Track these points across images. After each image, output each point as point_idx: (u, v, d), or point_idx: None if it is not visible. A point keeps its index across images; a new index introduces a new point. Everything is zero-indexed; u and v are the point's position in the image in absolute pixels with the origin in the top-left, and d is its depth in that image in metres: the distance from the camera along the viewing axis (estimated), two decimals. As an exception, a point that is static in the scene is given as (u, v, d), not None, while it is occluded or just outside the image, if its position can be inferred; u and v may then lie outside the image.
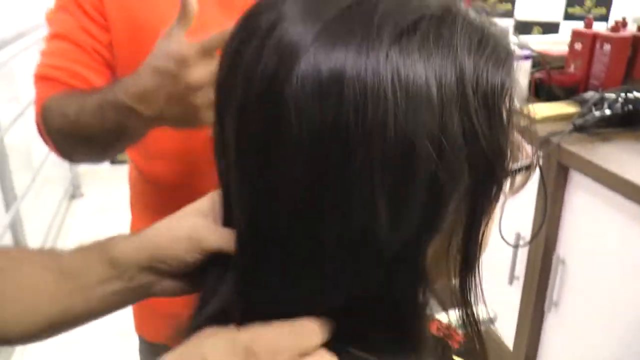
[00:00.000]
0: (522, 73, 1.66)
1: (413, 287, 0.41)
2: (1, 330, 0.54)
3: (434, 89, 0.35)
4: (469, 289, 0.42)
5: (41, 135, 0.83)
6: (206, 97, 0.65)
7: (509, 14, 3.65)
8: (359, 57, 0.34)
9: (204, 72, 0.64)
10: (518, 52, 1.30)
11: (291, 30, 0.36)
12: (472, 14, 0.39)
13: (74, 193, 3.45)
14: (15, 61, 2.55)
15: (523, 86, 1.39)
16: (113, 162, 3.29)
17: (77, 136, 0.76)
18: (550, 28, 3.71)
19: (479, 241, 0.41)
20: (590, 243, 1.46)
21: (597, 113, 1.48)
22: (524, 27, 3.70)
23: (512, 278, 1.71)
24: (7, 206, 2.30)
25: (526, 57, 1.65)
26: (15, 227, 2.35)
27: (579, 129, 1.47)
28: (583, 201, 1.46)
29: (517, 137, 0.41)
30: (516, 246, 1.64)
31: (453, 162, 0.36)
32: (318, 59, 0.34)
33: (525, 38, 2.24)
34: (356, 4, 0.37)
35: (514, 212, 1.57)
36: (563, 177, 1.49)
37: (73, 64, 0.82)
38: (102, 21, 0.82)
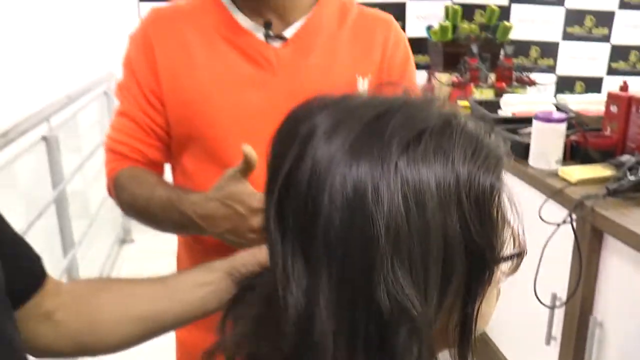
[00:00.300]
0: (557, 135, 1.70)
1: (419, 356, 0.47)
2: (102, 338, 0.67)
3: (434, 193, 0.43)
4: (467, 356, 0.48)
5: (112, 197, 0.99)
6: (261, 238, 0.77)
7: (551, 69, 3.69)
8: (375, 171, 0.43)
9: None
10: (556, 115, 1.34)
11: (323, 145, 0.45)
12: (469, 124, 0.47)
13: (125, 238, 3.61)
14: (79, 114, 2.75)
15: (558, 149, 1.42)
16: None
17: (145, 217, 0.93)
18: (593, 83, 3.73)
19: (474, 317, 0.47)
20: (628, 307, 1.46)
21: (632, 177, 1.51)
22: (566, 83, 3.72)
23: (549, 338, 1.72)
24: (65, 251, 2.44)
25: (561, 120, 1.70)
26: (71, 271, 2.49)
27: (613, 193, 1.49)
28: (618, 265, 1.47)
29: (509, 229, 0.48)
30: (552, 307, 1.65)
31: (453, 253, 0.44)
32: (344, 172, 0.43)
33: (563, 97, 2.28)
34: (373, 120, 0.45)
35: (550, 273, 1.60)
36: (598, 241, 1.51)
37: (134, 140, 0.97)
38: (159, 105, 0.96)
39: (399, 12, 3.72)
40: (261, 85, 0.93)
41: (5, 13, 3.20)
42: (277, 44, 0.95)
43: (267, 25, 0.94)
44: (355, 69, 0.97)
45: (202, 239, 1.03)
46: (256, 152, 0.78)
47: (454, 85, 2.77)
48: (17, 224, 0.70)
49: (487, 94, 2.56)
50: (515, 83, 2.70)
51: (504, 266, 0.49)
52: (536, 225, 1.57)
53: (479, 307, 0.47)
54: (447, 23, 3.08)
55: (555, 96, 3.63)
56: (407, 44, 1.06)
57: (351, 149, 0.44)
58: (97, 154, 2.99)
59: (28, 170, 2.25)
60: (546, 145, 1.72)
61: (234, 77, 0.93)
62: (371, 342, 0.44)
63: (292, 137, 0.47)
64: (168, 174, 1.04)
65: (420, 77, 3.26)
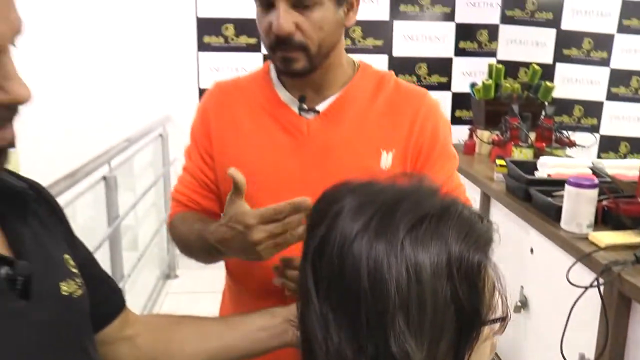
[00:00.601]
0: (588, 201, 1.75)
1: None
2: None
3: (428, 268, 0.54)
4: None
5: (171, 237, 1.16)
6: (266, 248, 0.89)
7: (595, 129, 3.72)
8: (388, 247, 0.54)
9: (263, 233, 0.88)
10: (587, 181, 1.39)
11: (348, 222, 0.57)
12: (465, 211, 0.57)
13: (169, 274, 3.76)
14: (135, 157, 2.95)
15: (589, 213, 1.49)
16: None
17: (188, 251, 1.10)
18: (639, 144, 3.72)
19: None
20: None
21: (661, 246, 1.54)
22: (610, 143, 3.73)
23: (577, 401, 1.72)
24: (114, 284, 2.58)
25: (593, 186, 1.75)
26: (118, 303, 2.62)
27: (642, 260, 1.53)
28: (646, 332, 1.49)
29: (495, 297, 0.58)
30: (580, 369, 1.67)
31: (444, 314, 0.54)
32: (366, 248, 0.55)
33: (600, 161, 2.31)
34: (388, 206, 0.56)
35: (578, 334, 1.63)
36: (625, 307, 1.54)
37: (191, 192, 1.15)
38: (211, 162, 1.12)
39: (446, 68, 3.85)
40: (293, 152, 1.06)
41: (75, 67, 3.48)
42: (310, 116, 1.07)
43: (301, 99, 1.07)
44: (380, 144, 1.06)
45: (244, 286, 1.15)
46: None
47: (494, 143, 2.84)
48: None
49: (527, 154, 2.60)
50: (555, 144, 2.74)
51: (492, 327, 0.59)
52: (564, 287, 1.61)
53: (467, 359, 0.56)
54: (490, 82, 3.17)
55: (598, 156, 3.65)
56: (441, 116, 1.13)
57: (371, 228, 0.55)
58: (149, 193, 3.17)
59: (86, 207, 2.42)
60: (577, 209, 1.77)
61: (271, 145, 1.07)
62: None
63: (325, 212, 0.60)
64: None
65: (463, 132, 3.36)
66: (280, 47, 0.99)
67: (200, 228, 1.02)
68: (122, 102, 3.55)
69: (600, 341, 1.61)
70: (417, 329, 0.53)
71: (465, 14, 3.79)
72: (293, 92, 1.08)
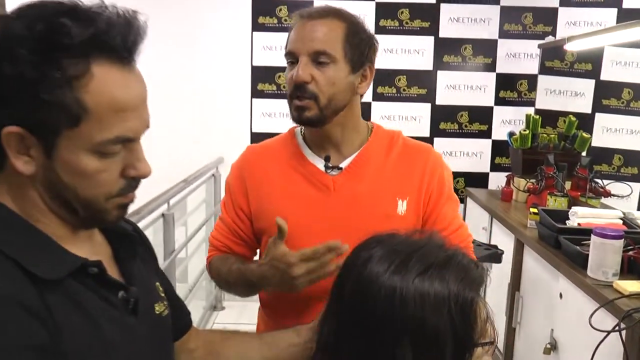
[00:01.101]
0: (613, 251, 1.85)
1: None
2: None
3: (432, 301, 0.71)
4: None
5: (209, 275, 1.37)
6: (303, 281, 1.07)
7: (636, 178, 3.75)
8: (401, 284, 0.72)
9: (302, 269, 1.06)
10: (613, 231, 1.54)
11: (375, 265, 0.75)
12: (465, 260, 0.74)
13: (216, 305, 3.95)
14: (190, 195, 3.19)
15: (614, 262, 1.65)
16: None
17: (226, 286, 1.30)
18: (680, 194, 3.73)
19: None
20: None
21: (681, 296, 1.63)
22: (651, 192, 3.75)
23: None
24: (167, 313, 2.78)
25: (618, 237, 1.85)
26: (170, 331, 2.81)
27: (662, 309, 1.62)
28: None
29: (486, 325, 0.74)
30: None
31: (445, 339, 0.71)
32: (387, 283, 0.73)
33: (632, 213, 2.39)
34: (405, 254, 0.74)
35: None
36: (646, 353, 1.62)
37: (224, 239, 1.34)
38: (243, 216, 1.31)
39: (486, 116, 3.98)
40: (320, 204, 1.24)
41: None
42: (334, 173, 1.25)
43: (327, 159, 1.25)
44: (396, 193, 1.24)
45: (274, 315, 1.34)
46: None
47: (530, 191, 2.94)
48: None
49: (561, 203, 2.70)
50: (589, 193, 2.82)
51: (484, 348, 0.75)
52: (590, 331, 1.70)
53: None
54: (527, 132, 3.29)
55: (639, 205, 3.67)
56: (445, 166, 1.31)
57: (390, 271, 0.74)
58: (201, 229, 3.39)
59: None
60: (603, 258, 1.87)
61: (302, 199, 1.25)
62: None
63: (358, 257, 0.78)
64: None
65: (501, 179, 3.46)
66: (297, 95, 1.18)
67: (241, 267, 1.22)
68: (181, 144, 3.81)
69: (623, 385, 1.68)
70: (420, 349, 0.69)
71: (505, 65, 3.94)
72: (317, 152, 1.27)
